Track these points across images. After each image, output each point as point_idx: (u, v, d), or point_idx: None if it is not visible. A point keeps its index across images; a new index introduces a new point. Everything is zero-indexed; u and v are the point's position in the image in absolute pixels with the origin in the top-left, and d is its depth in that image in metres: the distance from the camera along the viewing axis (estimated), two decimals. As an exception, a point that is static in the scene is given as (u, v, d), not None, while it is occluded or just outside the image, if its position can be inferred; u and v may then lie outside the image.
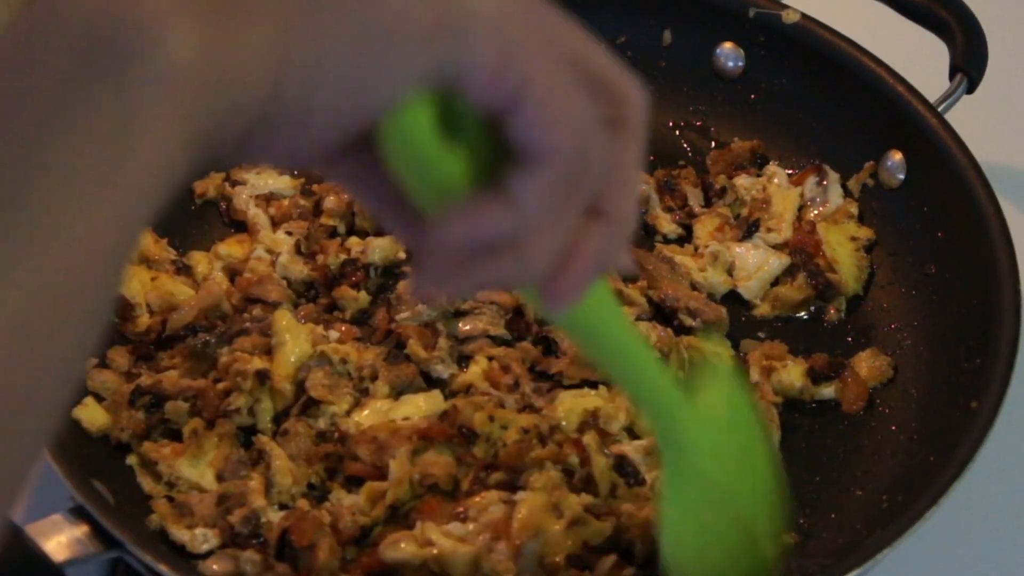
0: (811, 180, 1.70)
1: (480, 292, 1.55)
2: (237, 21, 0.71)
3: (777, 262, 1.63)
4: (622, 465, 1.41)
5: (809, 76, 1.75)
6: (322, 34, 0.74)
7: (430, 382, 1.51)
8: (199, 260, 1.62)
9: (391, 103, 0.76)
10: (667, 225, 1.69)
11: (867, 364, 1.55)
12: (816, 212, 1.69)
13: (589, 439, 1.41)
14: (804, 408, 1.53)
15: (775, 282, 1.63)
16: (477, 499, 1.37)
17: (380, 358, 1.50)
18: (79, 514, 1.25)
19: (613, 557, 1.35)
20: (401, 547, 1.31)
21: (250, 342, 1.48)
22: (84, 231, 0.67)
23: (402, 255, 1.61)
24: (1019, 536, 1.52)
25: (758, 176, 1.73)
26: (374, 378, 1.49)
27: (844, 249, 1.64)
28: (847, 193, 1.70)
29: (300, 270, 1.59)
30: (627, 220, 0.87)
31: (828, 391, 1.53)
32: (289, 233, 1.63)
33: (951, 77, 1.68)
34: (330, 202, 1.65)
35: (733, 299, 1.63)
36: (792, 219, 1.67)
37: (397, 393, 1.49)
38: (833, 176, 1.70)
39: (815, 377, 1.53)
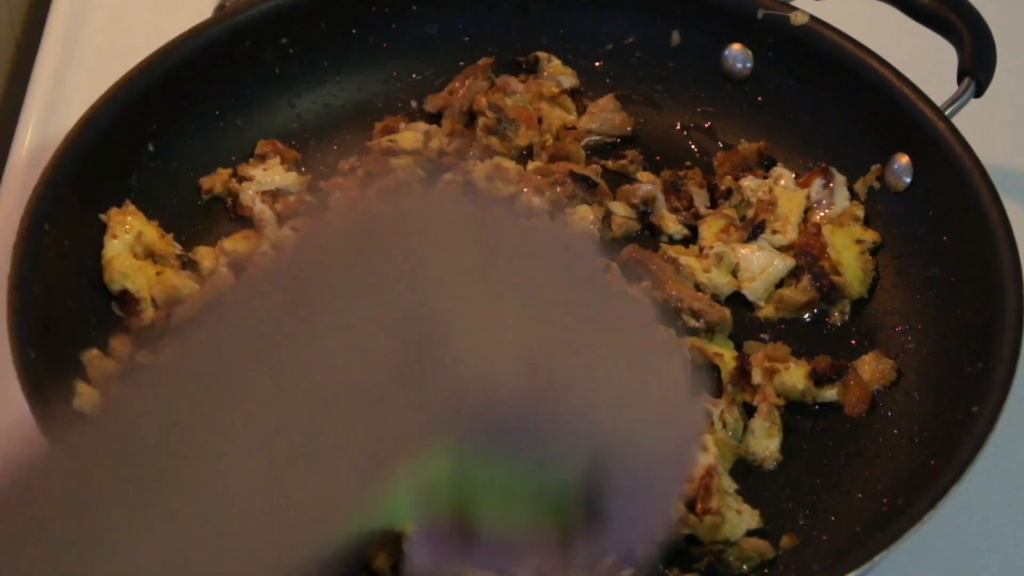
0: (817, 182, 1.70)
1: None
2: None
3: (782, 264, 1.63)
4: (622, 464, 1.41)
5: (817, 78, 1.75)
6: None
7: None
8: (205, 255, 1.63)
9: None
10: (673, 226, 1.70)
11: (870, 367, 1.54)
12: (822, 214, 1.68)
13: (589, 438, 1.41)
14: (806, 410, 1.53)
15: (779, 284, 1.63)
16: (477, 496, 1.37)
17: None
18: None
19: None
20: None
21: None
22: None
23: None
24: (1019, 540, 1.52)
25: (764, 178, 1.73)
26: None
27: (849, 252, 1.64)
28: (853, 196, 1.70)
29: None
30: None
31: (830, 393, 1.53)
32: (295, 229, 1.63)
33: (959, 80, 1.68)
34: (336, 200, 1.65)
35: (737, 300, 1.63)
36: (798, 221, 1.67)
37: None
38: (839, 179, 1.70)
39: (817, 379, 1.53)
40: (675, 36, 1.84)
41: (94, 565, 0.66)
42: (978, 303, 1.50)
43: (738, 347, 1.57)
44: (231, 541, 0.69)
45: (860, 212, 1.68)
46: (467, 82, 1.80)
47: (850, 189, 1.70)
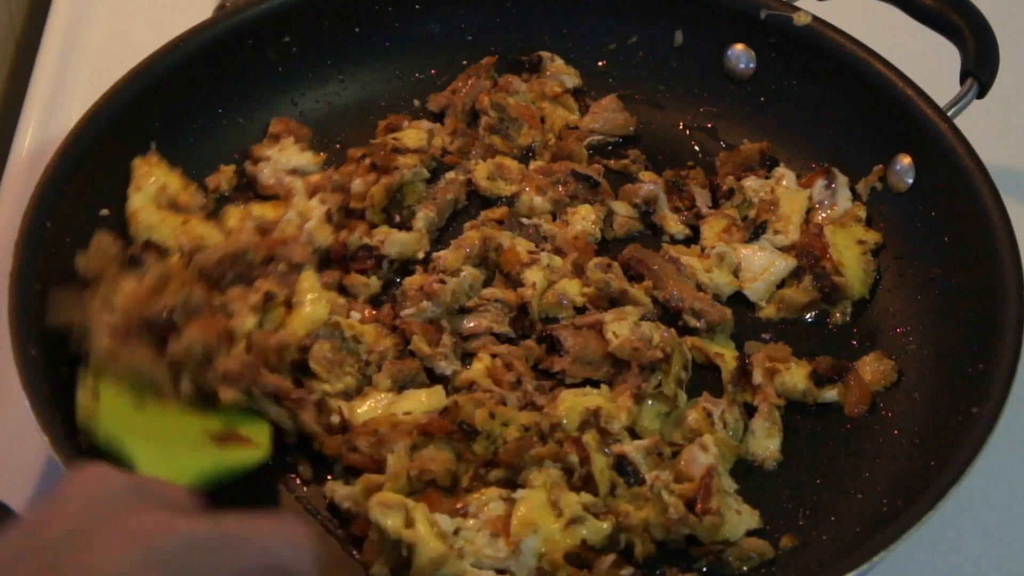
0: (820, 183, 1.70)
1: (485, 290, 1.57)
2: None
3: (783, 264, 1.63)
4: (622, 464, 1.41)
5: (819, 79, 1.75)
6: None
7: (433, 378, 1.51)
8: (232, 214, 1.65)
9: None
10: (675, 226, 1.69)
11: (871, 368, 1.54)
12: (824, 215, 1.68)
13: (589, 438, 1.41)
14: (806, 411, 1.53)
15: (781, 284, 1.63)
16: (477, 495, 1.37)
17: (395, 348, 1.51)
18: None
19: (612, 556, 1.35)
20: (389, 516, 1.33)
21: (268, 284, 1.51)
22: None
23: (420, 254, 1.62)
24: (1019, 540, 1.52)
25: (767, 178, 1.73)
26: (380, 366, 1.50)
27: (851, 252, 1.64)
28: (855, 196, 1.70)
29: (326, 238, 1.62)
30: None
31: (831, 394, 1.53)
32: (323, 202, 1.65)
33: (962, 81, 1.68)
34: (356, 185, 1.66)
35: (739, 300, 1.63)
36: (800, 221, 1.67)
37: (399, 387, 1.49)
38: (842, 179, 1.70)
39: (818, 380, 1.53)
40: (678, 36, 1.84)
41: None
42: (979, 305, 1.50)
43: (739, 347, 1.57)
44: None
45: (862, 213, 1.68)
46: (470, 81, 1.80)
47: (852, 190, 1.70)
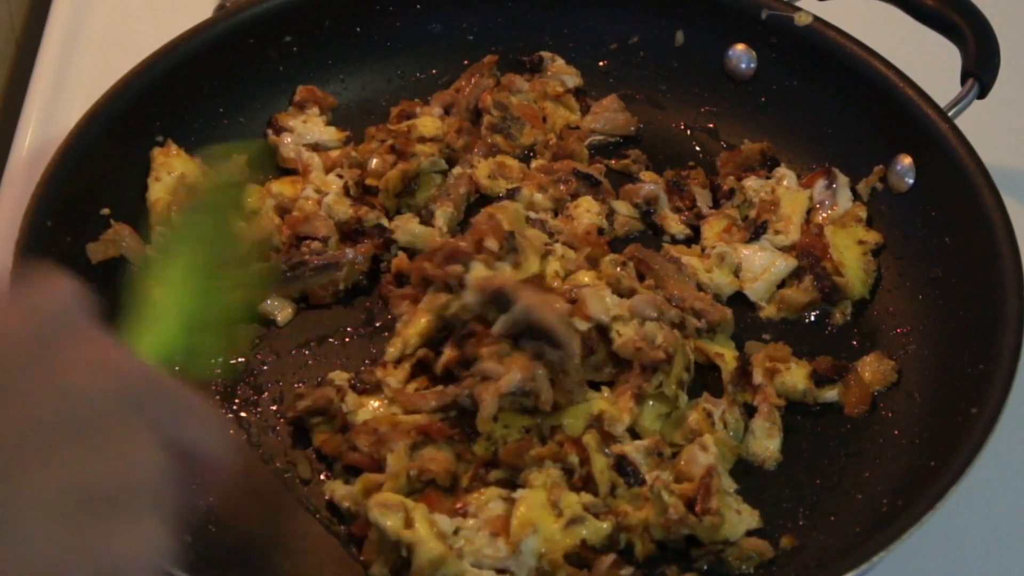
0: (820, 183, 1.70)
1: None
2: None
3: (784, 264, 1.63)
4: (622, 465, 1.41)
5: (820, 79, 1.75)
6: None
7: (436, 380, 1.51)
8: (251, 192, 1.66)
9: None
10: (675, 226, 1.69)
11: (871, 368, 1.54)
12: (824, 215, 1.68)
13: (588, 438, 1.41)
14: (807, 411, 1.53)
15: (781, 284, 1.63)
16: (477, 495, 1.37)
17: None
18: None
19: (612, 556, 1.35)
20: (388, 516, 1.33)
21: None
22: None
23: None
24: (1019, 540, 1.52)
25: (767, 178, 1.73)
26: None
27: (851, 252, 1.64)
28: (856, 197, 1.70)
29: (344, 211, 1.63)
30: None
31: (831, 394, 1.53)
32: (340, 176, 1.67)
33: (963, 81, 1.68)
34: (375, 163, 1.67)
35: (739, 300, 1.63)
36: (800, 221, 1.67)
37: None
38: (843, 179, 1.70)
39: (818, 380, 1.53)
40: (679, 36, 1.84)
41: None
42: (979, 305, 1.50)
43: (739, 347, 1.57)
44: None
45: (863, 213, 1.68)
46: (473, 79, 1.80)
47: (853, 190, 1.70)
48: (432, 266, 1.51)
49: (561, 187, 1.69)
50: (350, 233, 1.63)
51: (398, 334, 1.53)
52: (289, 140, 1.71)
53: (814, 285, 1.61)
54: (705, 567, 1.39)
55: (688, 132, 1.82)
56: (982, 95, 1.68)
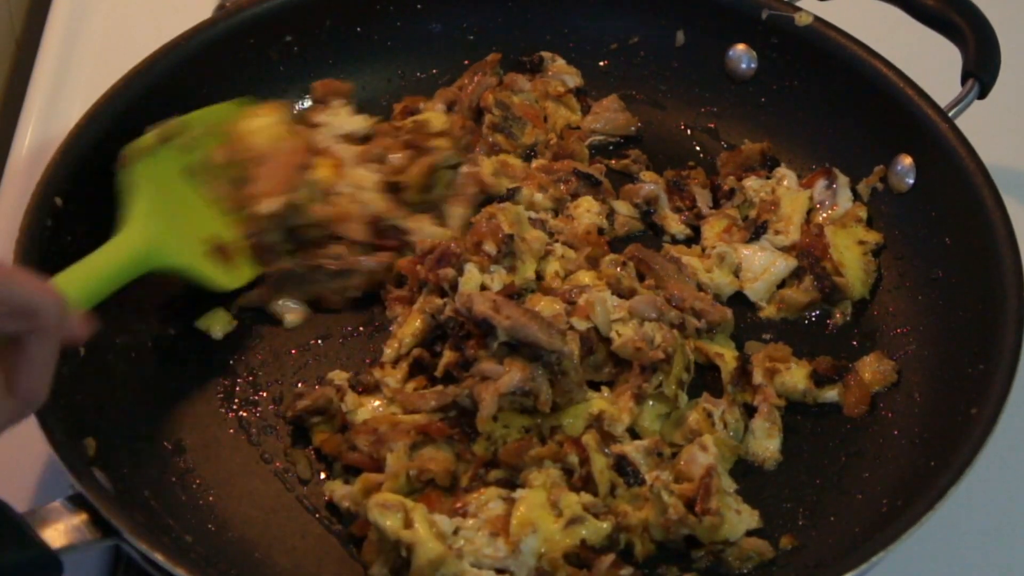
0: (821, 183, 1.70)
1: None
2: None
3: (784, 264, 1.63)
4: (622, 465, 1.41)
5: (821, 79, 1.75)
6: None
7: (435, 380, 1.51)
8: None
9: None
10: (676, 226, 1.69)
11: (871, 368, 1.54)
12: (825, 215, 1.68)
13: (588, 438, 1.41)
14: (806, 411, 1.53)
15: (781, 284, 1.63)
16: (476, 495, 1.37)
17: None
18: (78, 502, 1.26)
19: (611, 556, 1.35)
20: (388, 516, 1.33)
21: None
22: None
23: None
24: (1018, 540, 1.52)
25: (767, 178, 1.72)
26: None
27: (852, 253, 1.64)
28: (856, 197, 1.70)
29: (380, 206, 1.64)
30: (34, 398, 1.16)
31: (831, 394, 1.53)
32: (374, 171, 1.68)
33: (963, 82, 1.68)
34: (396, 159, 1.68)
35: (739, 300, 1.63)
36: (800, 222, 1.67)
37: None
38: (843, 179, 1.70)
39: (818, 380, 1.53)
40: (679, 36, 1.84)
41: None
42: (979, 305, 1.50)
43: (739, 347, 1.57)
44: None
45: (863, 213, 1.68)
46: (475, 78, 1.80)
47: (853, 190, 1.70)
48: (424, 268, 1.51)
49: (561, 187, 1.69)
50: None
51: (394, 335, 1.53)
52: (321, 135, 1.70)
53: (814, 285, 1.61)
54: (705, 567, 1.39)
55: (688, 132, 1.82)
56: (982, 95, 1.68)
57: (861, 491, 1.45)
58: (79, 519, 1.25)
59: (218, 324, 1.56)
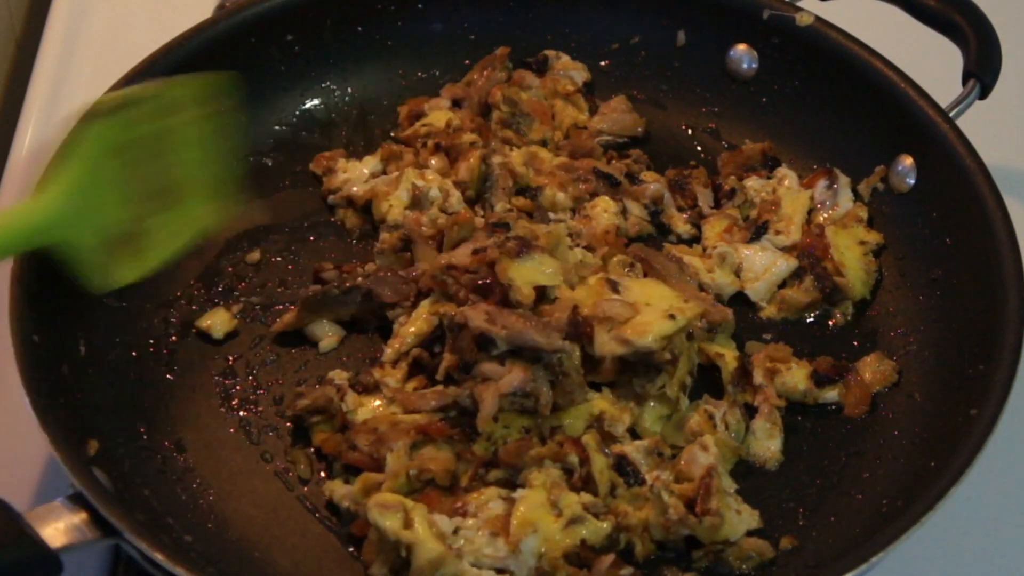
0: (821, 183, 1.70)
1: None
2: None
3: (784, 264, 1.63)
4: (622, 465, 1.41)
5: (822, 79, 1.75)
6: None
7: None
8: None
9: None
10: (682, 225, 1.70)
11: (871, 368, 1.54)
12: (826, 215, 1.68)
13: (588, 438, 1.41)
14: (807, 411, 1.53)
15: (782, 284, 1.63)
16: (476, 495, 1.37)
17: None
18: (78, 501, 1.26)
19: (611, 556, 1.35)
20: (387, 516, 1.33)
21: None
22: None
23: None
24: (1018, 541, 1.52)
25: (769, 178, 1.72)
26: None
27: (852, 253, 1.64)
28: (857, 197, 1.70)
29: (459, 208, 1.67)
30: None
31: (831, 394, 1.53)
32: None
33: (964, 82, 1.68)
34: (462, 171, 1.69)
35: (740, 300, 1.63)
36: (801, 222, 1.67)
37: None
38: (844, 180, 1.70)
39: (819, 380, 1.52)
40: (681, 36, 1.84)
41: None
42: (980, 305, 1.50)
43: (740, 347, 1.57)
44: None
45: (864, 213, 1.68)
46: (485, 72, 1.80)
47: (854, 190, 1.70)
48: (427, 279, 1.52)
49: (580, 186, 1.69)
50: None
51: (395, 335, 1.53)
52: (353, 188, 1.71)
53: (815, 285, 1.61)
54: (705, 567, 1.39)
55: (689, 132, 1.82)
56: (983, 96, 1.68)
57: (861, 491, 1.45)
58: (79, 518, 1.25)
59: (218, 324, 1.56)
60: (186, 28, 1.69)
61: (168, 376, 1.52)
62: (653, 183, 1.71)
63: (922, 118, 1.64)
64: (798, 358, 1.55)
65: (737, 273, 1.64)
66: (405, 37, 1.83)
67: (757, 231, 1.66)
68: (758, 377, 1.52)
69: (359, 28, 1.81)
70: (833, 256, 1.62)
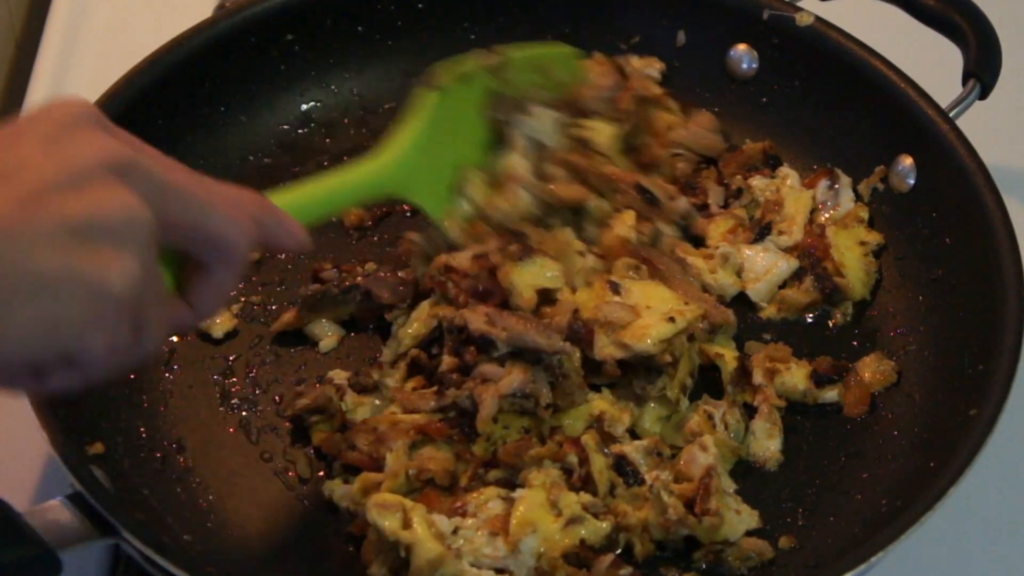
0: (823, 183, 1.70)
1: None
2: None
3: (785, 265, 1.63)
4: (621, 464, 1.41)
5: (822, 79, 1.74)
6: None
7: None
8: None
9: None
10: (710, 231, 1.68)
11: (871, 368, 1.54)
12: (827, 216, 1.68)
13: (588, 438, 1.41)
14: (807, 411, 1.53)
15: (782, 285, 1.63)
16: (476, 495, 1.37)
17: None
18: (78, 501, 1.26)
19: (611, 556, 1.35)
20: (386, 517, 1.33)
21: None
22: None
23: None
24: (1018, 541, 1.53)
25: (772, 177, 1.72)
26: None
27: (853, 253, 1.64)
28: (857, 197, 1.70)
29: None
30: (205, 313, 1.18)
31: (831, 394, 1.53)
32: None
33: (964, 82, 1.68)
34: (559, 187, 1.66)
35: (740, 300, 1.63)
36: (804, 222, 1.67)
37: None
38: (845, 180, 1.70)
39: (818, 380, 1.52)
40: (681, 36, 1.84)
41: None
42: (979, 305, 1.50)
43: (740, 347, 1.57)
44: None
45: (864, 214, 1.68)
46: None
47: (854, 190, 1.70)
48: (429, 280, 1.52)
49: (617, 196, 1.65)
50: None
51: (394, 335, 1.53)
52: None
53: (815, 286, 1.61)
54: (704, 567, 1.39)
55: (691, 132, 1.82)
56: (983, 96, 1.68)
57: (861, 491, 1.45)
58: (79, 518, 1.25)
59: (217, 323, 1.56)
60: (186, 28, 1.69)
61: (167, 375, 1.52)
62: (679, 198, 1.68)
63: (922, 118, 1.64)
64: (798, 358, 1.55)
65: (739, 273, 1.63)
66: (405, 37, 1.83)
67: (760, 232, 1.66)
68: (758, 377, 1.52)
69: (359, 28, 1.81)
70: (834, 257, 1.62)
